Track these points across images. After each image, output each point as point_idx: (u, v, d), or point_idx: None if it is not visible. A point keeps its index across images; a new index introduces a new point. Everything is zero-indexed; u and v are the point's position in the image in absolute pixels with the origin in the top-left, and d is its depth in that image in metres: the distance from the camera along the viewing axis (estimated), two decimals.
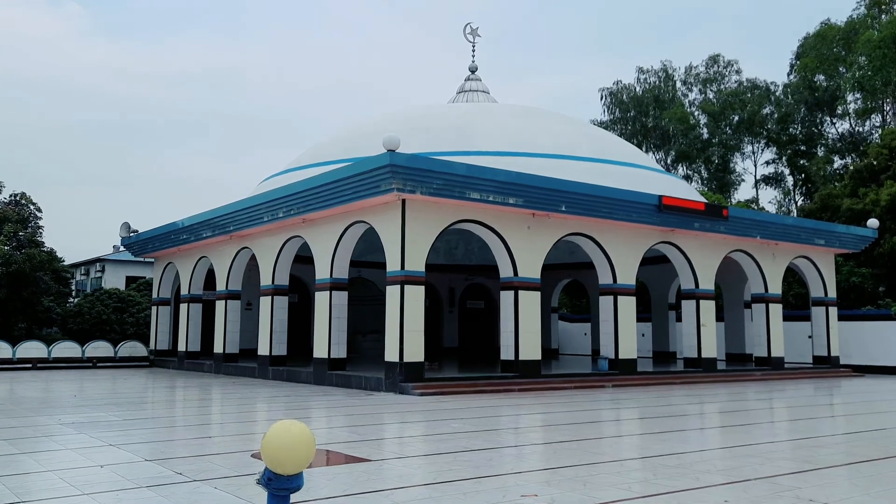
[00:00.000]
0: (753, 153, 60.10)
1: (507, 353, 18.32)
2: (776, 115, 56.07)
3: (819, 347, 25.50)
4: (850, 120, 53.98)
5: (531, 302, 18.44)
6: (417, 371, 16.54)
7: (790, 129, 56.16)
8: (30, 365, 25.78)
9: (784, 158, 57.40)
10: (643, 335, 33.74)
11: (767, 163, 58.53)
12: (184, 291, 26.90)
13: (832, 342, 25.34)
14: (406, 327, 16.41)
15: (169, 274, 29.01)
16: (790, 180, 58.06)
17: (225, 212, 22.47)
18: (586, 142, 23.56)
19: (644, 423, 11.97)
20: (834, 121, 54.89)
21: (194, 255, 26.17)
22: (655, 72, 63.01)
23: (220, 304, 24.26)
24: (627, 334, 20.12)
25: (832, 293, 25.67)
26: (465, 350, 31.49)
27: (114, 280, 51.86)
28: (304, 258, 21.81)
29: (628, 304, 20.25)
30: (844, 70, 50.42)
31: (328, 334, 18.74)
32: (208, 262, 25.57)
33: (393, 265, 16.77)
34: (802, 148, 55.97)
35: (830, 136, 55.83)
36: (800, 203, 55.90)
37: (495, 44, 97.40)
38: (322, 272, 19.21)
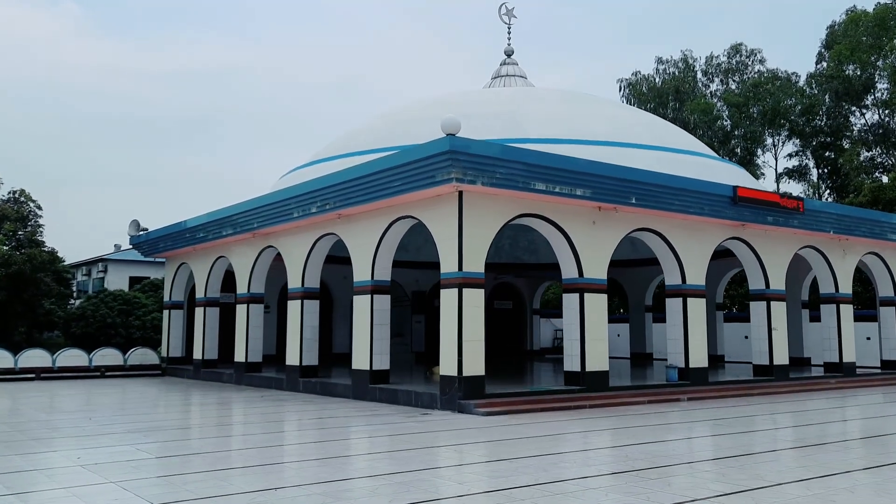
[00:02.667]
0: (774, 146, 58.17)
1: (571, 364, 16.35)
2: (799, 107, 54.09)
3: (889, 351, 23.57)
4: (878, 111, 52.08)
5: (598, 306, 16.48)
6: (478, 386, 14.56)
7: (814, 121, 54.18)
8: (33, 375, 23.77)
9: (809, 150, 55.46)
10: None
11: (791, 155, 56.61)
12: (199, 294, 24.91)
13: None
14: (465, 336, 14.43)
15: (182, 275, 27.00)
16: (815, 173, 56.15)
17: (248, 207, 20.47)
18: (643, 128, 21.60)
19: (790, 458, 9.96)
20: (863, 111, 52.96)
21: (211, 255, 24.17)
22: (675, 62, 61.01)
23: (241, 309, 22.26)
24: (698, 341, 18.15)
25: None
26: (493, 354, 29.75)
27: (117, 281, 49.97)
28: (328, 257, 19.82)
29: (698, 308, 18.28)
30: (875, 58, 48.55)
31: (370, 343, 16.75)
32: (227, 262, 23.57)
33: (449, 266, 14.79)
34: (828, 139, 54.03)
35: (856, 127, 53.94)
36: (826, 196, 53.99)
37: (503, 37, 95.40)
38: (362, 273, 17.22)
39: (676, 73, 60.87)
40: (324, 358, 20.89)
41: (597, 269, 16.56)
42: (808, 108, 53.25)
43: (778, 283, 20.10)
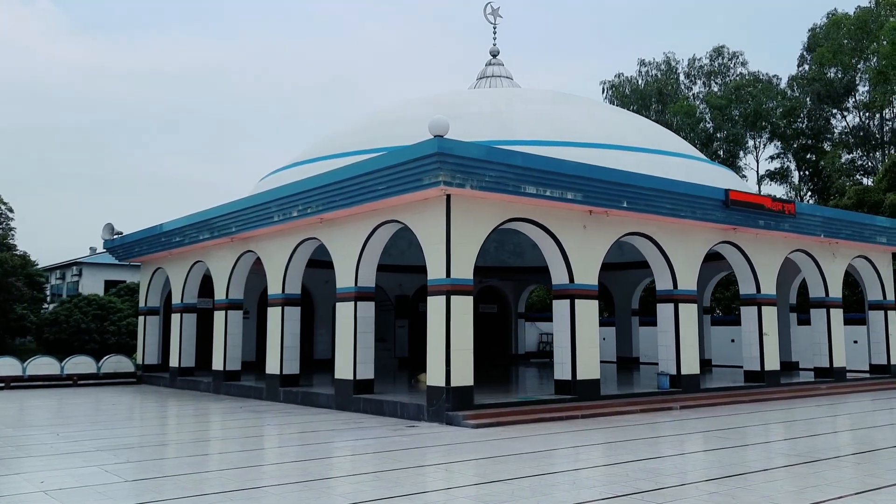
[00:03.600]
0: (756, 148, 58.24)
1: (561, 372, 15.86)
2: (780, 110, 54.16)
3: (877, 355, 23.33)
4: (859, 113, 52.25)
5: (589, 313, 16.02)
6: (467, 397, 14.03)
7: (796, 124, 54.26)
8: (2, 384, 22.91)
9: (790, 153, 55.56)
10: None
11: (772, 157, 56.69)
12: (175, 300, 24.17)
13: (893, 349, 23.17)
14: (453, 345, 13.89)
15: (158, 280, 26.23)
16: (796, 175, 56.27)
17: (226, 211, 19.79)
18: (633, 130, 21.18)
19: (793, 476, 9.50)
20: (844, 114, 53.11)
21: (188, 260, 23.44)
22: (658, 64, 61.06)
23: (219, 315, 21.57)
24: (690, 347, 17.74)
25: (891, 295, 23.53)
26: (478, 359, 29.27)
27: (92, 285, 48.91)
28: (309, 261, 19.19)
29: (690, 313, 17.87)
30: (856, 60, 48.65)
31: (353, 351, 16.16)
32: (204, 266, 22.87)
33: (436, 272, 14.25)
34: (810, 142, 54.14)
35: (837, 129, 54.09)
36: (808, 198, 54.05)
37: (487, 38, 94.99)
38: (345, 280, 16.63)
39: (659, 76, 60.83)
40: (304, 364, 20.29)
41: (588, 274, 16.10)
42: (789, 111, 53.34)
43: (769, 287, 19.76)
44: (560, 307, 16.01)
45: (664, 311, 17.86)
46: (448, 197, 14.02)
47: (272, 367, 18.86)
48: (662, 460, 10.07)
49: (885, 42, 43.10)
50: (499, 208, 14.75)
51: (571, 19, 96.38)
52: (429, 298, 14.43)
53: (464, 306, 14.14)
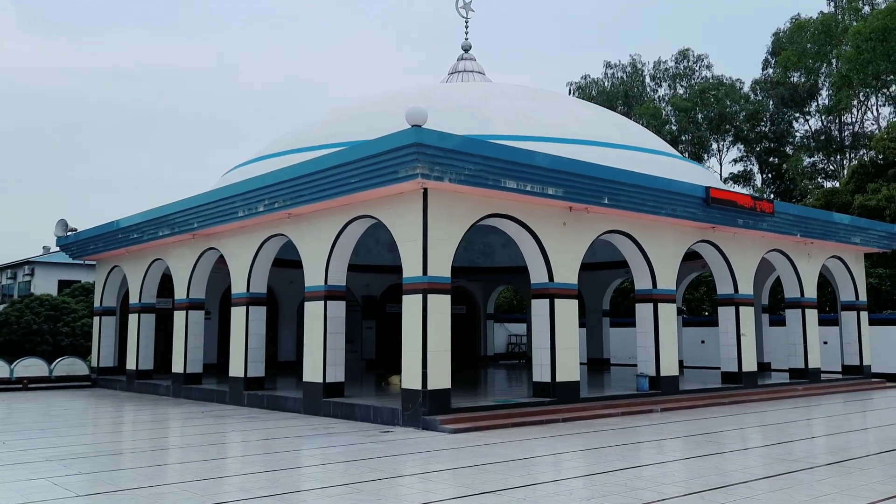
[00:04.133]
0: (719, 151, 58.65)
1: (541, 374, 15.28)
2: (743, 114, 54.59)
3: (850, 356, 23.23)
4: (821, 117, 52.82)
5: (569, 313, 15.46)
6: (444, 400, 13.37)
7: (759, 127, 54.74)
8: None
9: (753, 156, 56.03)
10: None
11: (735, 160, 57.10)
12: (133, 299, 23.10)
13: (864, 350, 23.09)
14: (430, 346, 13.22)
15: (114, 279, 25.11)
16: (759, 178, 56.73)
17: (187, 206, 18.87)
18: (612, 127, 20.75)
19: (786, 485, 9.01)
20: (807, 118, 53.66)
21: (147, 258, 22.40)
22: (624, 66, 61.19)
23: (179, 315, 20.60)
24: (669, 348, 17.32)
25: (863, 296, 23.46)
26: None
27: (45, 285, 47.23)
28: (273, 260, 18.39)
29: (670, 314, 17.45)
30: (819, 64, 49.11)
31: (323, 353, 15.39)
32: (164, 264, 21.87)
33: (412, 270, 13.57)
34: (773, 145, 54.63)
35: (799, 133, 54.66)
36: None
37: (453, 38, 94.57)
38: (314, 278, 15.86)
39: (625, 78, 60.95)
40: (269, 366, 19.42)
41: (567, 273, 15.55)
42: (752, 115, 53.76)
43: (746, 287, 19.46)
44: (539, 307, 15.43)
45: (643, 311, 17.41)
46: (425, 191, 13.35)
47: (236, 369, 17.99)
48: (650, 468, 9.52)
49: (847, 47, 43.53)
50: (477, 203, 14.13)
51: (536, 21, 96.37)
52: (404, 297, 13.74)
53: (441, 306, 13.48)
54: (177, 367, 20.44)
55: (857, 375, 22.79)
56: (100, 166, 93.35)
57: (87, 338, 32.68)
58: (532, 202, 14.80)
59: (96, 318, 25.74)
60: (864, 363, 23.01)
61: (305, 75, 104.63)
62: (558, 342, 15.17)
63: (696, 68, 59.86)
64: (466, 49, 25.78)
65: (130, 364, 22.88)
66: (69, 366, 24.70)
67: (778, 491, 7.97)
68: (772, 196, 55.52)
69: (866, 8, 46.51)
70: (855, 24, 43.17)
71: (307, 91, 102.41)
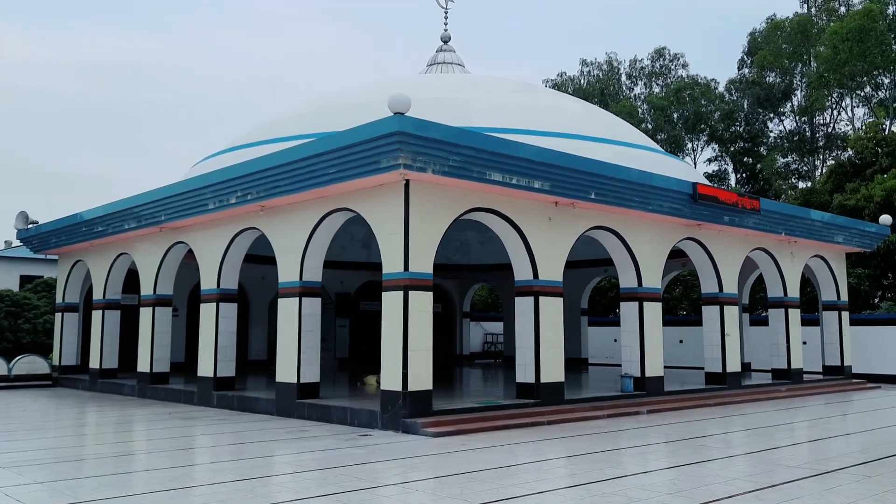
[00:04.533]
0: (694, 150, 58.74)
1: (524, 375, 14.74)
2: (718, 113, 54.73)
3: (831, 356, 23.01)
4: (795, 118, 53.04)
5: (554, 310, 14.94)
6: (425, 402, 12.76)
7: (733, 127, 54.90)
8: None
9: (727, 156, 56.16)
10: None
11: (710, 160, 57.19)
12: (97, 295, 22.16)
13: (846, 350, 22.89)
14: (411, 346, 12.60)
15: (77, 274, 24.12)
16: (733, 178, 56.87)
17: (155, 197, 18.02)
18: (597, 121, 20.28)
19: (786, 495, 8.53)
20: (782, 118, 53.86)
21: (111, 252, 21.48)
22: (600, 64, 61.09)
23: (145, 312, 19.74)
24: (655, 348, 16.88)
25: (844, 296, 23.26)
26: None
27: (5, 280, 45.74)
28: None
29: (655, 312, 17.01)
30: (794, 64, 49.24)
31: (297, 352, 14.68)
32: (129, 259, 20.98)
33: (392, 265, 12.93)
34: (747, 145, 54.81)
35: (773, 134, 54.88)
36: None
37: (428, 33, 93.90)
38: (288, 273, 15.14)
39: (601, 76, 60.83)
40: (239, 365, 18.61)
41: (553, 270, 15.03)
42: (727, 114, 53.87)
43: (731, 286, 19.10)
44: (523, 305, 14.89)
45: (628, 309, 16.95)
46: (407, 183, 12.72)
47: (205, 368, 17.21)
48: (642, 477, 9.00)
49: (822, 48, 43.65)
50: (461, 197, 13.53)
51: (512, 18, 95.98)
52: (384, 294, 13.10)
53: (423, 303, 12.87)
54: (143, 365, 19.60)
55: (838, 376, 22.58)
56: (62, 160, 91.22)
57: (50, 335, 31.52)
58: (517, 196, 14.25)
59: (58, 315, 24.74)
60: (845, 364, 22.81)
61: (277, 72, 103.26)
62: (543, 342, 14.65)
63: (672, 67, 59.95)
64: (446, 40, 25.16)
65: (94, 363, 21.95)
66: (29, 364, 23.69)
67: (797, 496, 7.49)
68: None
69: (842, 9, 46.67)
70: (831, 24, 43.28)
71: (280, 88, 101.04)
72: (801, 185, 52.19)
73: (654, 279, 17.07)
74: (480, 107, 18.40)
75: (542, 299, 14.72)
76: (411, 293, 12.69)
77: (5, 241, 50.26)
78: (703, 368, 19.23)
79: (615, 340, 32.67)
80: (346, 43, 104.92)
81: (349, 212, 14.02)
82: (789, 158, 54.42)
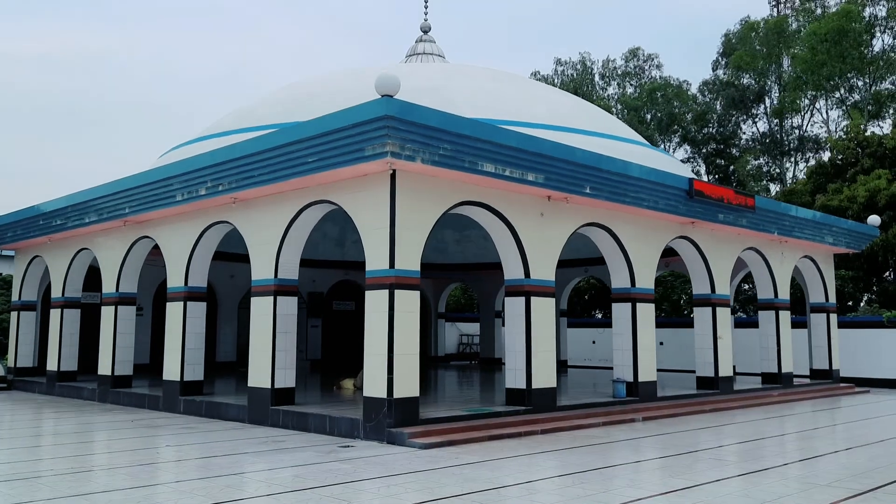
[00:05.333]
0: (666, 151, 58.48)
1: (514, 380, 13.86)
2: (690, 115, 54.56)
3: (819, 360, 22.50)
4: (768, 120, 52.98)
5: (546, 312, 14.09)
6: (412, 410, 11.82)
7: (706, 129, 54.77)
8: None
9: (700, 157, 56.01)
10: None
11: (683, 161, 56.94)
12: (56, 293, 20.86)
13: (834, 354, 22.39)
14: (397, 349, 11.65)
15: (35, 270, 22.77)
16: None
17: (117, 189, 16.85)
18: (584, 113, 19.51)
19: None
20: (755, 120, 53.77)
21: (71, 247, 20.21)
22: (574, 64, 60.59)
23: (107, 311, 18.53)
24: (648, 352, 16.12)
25: (833, 298, 22.77)
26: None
27: None
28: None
29: (648, 314, 16.26)
30: (769, 66, 49.10)
31: (271, 355, 13.65)
32: (91, 255, 19.74)
33: (377, 262, 11.97)
34: (720, 147, 54.68)
35: (745, 136, 54.82)
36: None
37: (398, 33, 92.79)
38: (262, 270, 14.11)
39: (575, 76, 60.32)
40: (207, 367, 17.47)
41: (545, 269, 14.19)
42: (700, 116, 53.68)
43: (723, 287, 18.44)
44: (513, 306, 14.01)
45: (620, 311, 16.17)
46: (393, 173, 11.78)
47: (171, 371, 16.08)
48: (660, 501, 8.17)
49: (799, 49, 43.53)
50: (450, 189, 12.63)
51: (485, 16, 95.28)
52: (367, 293, 12.14)
53: (409, 303, 11.93)
54: (104, 368, 18.39)
55: (827, 380, 22.07)
56: (24, 157, 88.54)
57: (7, 335, 30.04)
58: (509, 189, 13.38)
59: (14, 314, 23.35)
60: (833, 367, 22.31)
61: (247, 69, 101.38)
62: (535, 344, 13.79)
63: (647, 68, 59.67)
64: (426, 30, 24.24)
65: (52, 364, 20.65)
66: None
67: None
68: None
69: (818, 10, 46.58)
70: (809, 25, 43.10)
71: (252, 86, 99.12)
72: (773, 187, 52.17)
73: (647, 279, 16.32)
74: (465, 97, 17.50)
75: (533, 300, 13.87)
76: (397, 292, 11.75)
77: None
78: (685, 371, 18.56)
79: (593, 342, 32.17)
80: (315, 41, 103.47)
81: (330, 204, 13.04)
82: (761, 160, 54.39)
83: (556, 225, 14.40)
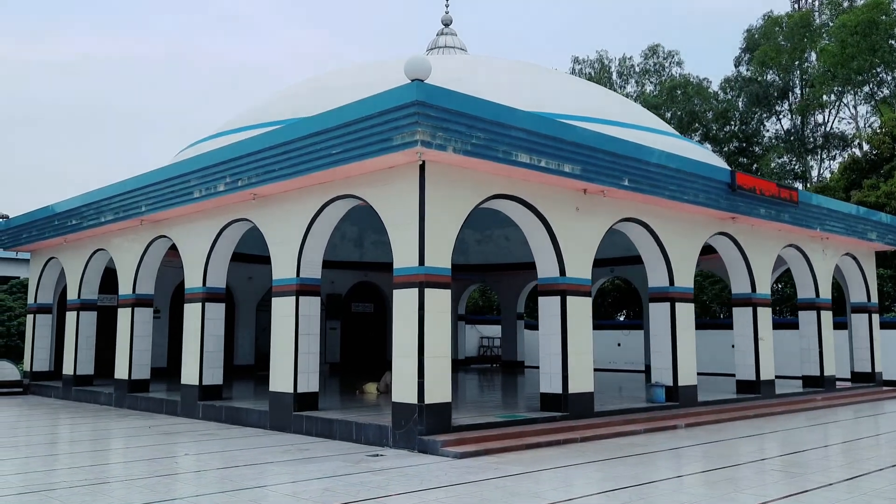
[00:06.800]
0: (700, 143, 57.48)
1: (549, 385, 13.10)
2: (711, 113, 53.51)
3: (861, 362, 21.54)
4: (792, 117, 51.88)
5: (583, 312, 13.33)
6: (444, 417, 11.11)
7: (728, 127, 53.71)
8: None
9: (722, 156, 54.96)
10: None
11: None
12: (71, 295, 20.34)
13: (876, 356, 21.44)
14: (428, 351, 10.94)
15: (51, 272, 22.28)
16: None
17: (133, 186, 16.29)
18: (613, 104, 18.74)
19: None
20: (780, 117, 52.67)
21: (87, 248, 19.67)
22: (591, 62, 59.74)
23: (124, 313, 17.97)
24: (688, 354, 15.31)
25: (875, 297, 21.82)
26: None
27: None
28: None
29: (687, 315, 15.45)
30: (794, 61, 48.01)
31: (294, 358, 12.98)
32: (107, 256, 19.19)
33: (405, 259, 11.27)
34: (742, 145, 53.63)
35: (768, 133, 53.72)
36: None
37: (415, 34, 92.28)
38: (284, 269, 13.44)
39: (593, 74, 59.46)
40: (225, 371, 16.83)
41: (581, 266, 13.42)
42: (721, 114, 52.62)
43: (764, 286, 17.58)
44: (548, 305, 13.25)
45: (658, 311, 15.36)
46: (423, 164, 11.07)
47: (189, 376, 15.47)
48: None
49: (828, 41, 42.48)
50: (481, 181, 11.90)
51: (500, 17, 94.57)
52: (395, 293, 11.44)
53: (441, 302, 11.21)
54: (120, 372, 17.82)
55: (869, 383, 21.11)
56: (44, 161, 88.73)
57: (24, 339, 29.70)
58: (544, 182, 12.64)
59: (30, 317, 22.87)
60: (876, 370, 21.36)
61: (266, 68, 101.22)
62: (571, 346, 13.02)
63: (667, 65, 58.69)
64: (447, 24, 23.54)
65: (67, 368, 20.11)
66: None
67: None
68: None
69: (845, 2, 45.45)
70: (839, 17, 42.00)
71: (270, 86, 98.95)
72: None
73: (686, 277, 15.51)
74: (490, 88, 16.63)
75: (569, 299, 13.10)
76: (427, 291, 11.03)
77: None
78: (717, 374, 17.75)
79: (619, 344, 31.31)
80: (330, 42, 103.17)
81: (354, 199, 12.35)
82: (784, 159, 53.26)
83: (592, 220, 13.64)
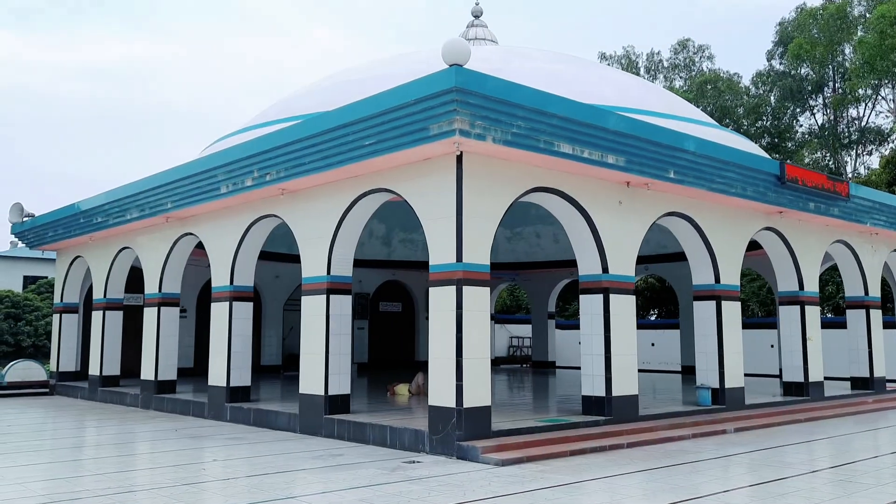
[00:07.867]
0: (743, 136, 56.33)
1: (591, 387, 12.49)
2: (742, 108, 52.35)
3: None
4: (825, 112, 50.63)
5: (626, 310, 12.70)
6: (484, 422, 10.55)
7: (760, 122, 52.53)
8: None
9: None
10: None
11: None
12: (97, 294, 20.05)
13: None
14: (466, 352, 10.38)
15: (77, 271, 22.03)
16: None
17: (159, 182, 15.89)
18: (653, 94, 18.07)
19: None
20: (814, 112, 51.44)
21: (113, 246, 19.36)
22: (619, 58, 58.87)
23: (150, 313, 17.61)
24: (734, 355, 14.61)
25: None
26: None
27: (7, 281, 43.88)
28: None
29: (734, 313, 14.75)
30: (830, 54, 46.82)
31: (325, 359, 12.48)
32: (133, 254, 18.86)
33: (442, 255, 10.72)
34: (775, 140, 52.43)
35: (801, 128, 52.52)
36: None
37: (440, 35, 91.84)
38: (313, 267, 12.95)
39: (620, 70, 58.59)
40: (251, 371, 16.35)
41: (624, 263, 12.81)
42: (753, 109, 51.46)
43: (812, 284, 16.82)
44: (590, 303, 12.64)
45: (703, 310, 14.68)
46: (460, 156, 10.51)
47: (216, 376, 15.04)
48: None
49: (865, 33, 41.30)
50: (520, 173, 11.33)
51: (526, 14, 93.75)
52: (431, 290, 10.90)
53: (479, 300, 10.66)
54: (147, 372, 17.46)
55: None
56: (71, 165, 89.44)
57: (49, 338, 29.63)
58: (585, 174, 12.04)
59: (56, 316, 22.63)
60: None
61: (292, 67, 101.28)
62: (615, 347, 12.40)
63: (697, 60, 57.67)
64: (477, 15, 22.95)
65: (94, 369, 19.82)
66: (24, 370, 21.59)
67: None
68: None
69: None
70: (878, 7, 40.80)
71: (296, 83, 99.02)
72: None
73: (732, 275, 14.82)
74: (527, 78, 15.95)
75: (612, 297, 12.49)
76: (466, 288, 10.48)
77: (10, 242, 48.38)
78: (757, 375, 17.01)
79: (652, 344, 30.55)
80: (356, 42, 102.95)
81: (387, 193, 11.82)
82: (818, 154, 51.98)
83: (635, 214, 13.00)
